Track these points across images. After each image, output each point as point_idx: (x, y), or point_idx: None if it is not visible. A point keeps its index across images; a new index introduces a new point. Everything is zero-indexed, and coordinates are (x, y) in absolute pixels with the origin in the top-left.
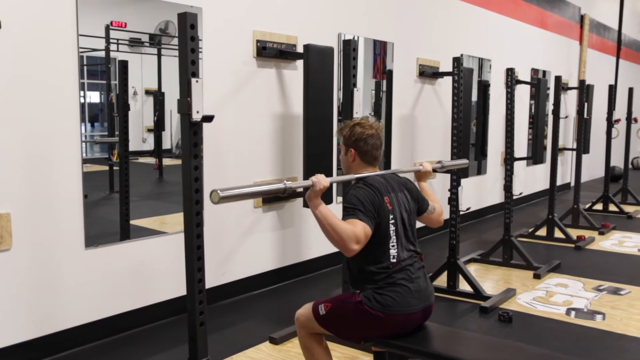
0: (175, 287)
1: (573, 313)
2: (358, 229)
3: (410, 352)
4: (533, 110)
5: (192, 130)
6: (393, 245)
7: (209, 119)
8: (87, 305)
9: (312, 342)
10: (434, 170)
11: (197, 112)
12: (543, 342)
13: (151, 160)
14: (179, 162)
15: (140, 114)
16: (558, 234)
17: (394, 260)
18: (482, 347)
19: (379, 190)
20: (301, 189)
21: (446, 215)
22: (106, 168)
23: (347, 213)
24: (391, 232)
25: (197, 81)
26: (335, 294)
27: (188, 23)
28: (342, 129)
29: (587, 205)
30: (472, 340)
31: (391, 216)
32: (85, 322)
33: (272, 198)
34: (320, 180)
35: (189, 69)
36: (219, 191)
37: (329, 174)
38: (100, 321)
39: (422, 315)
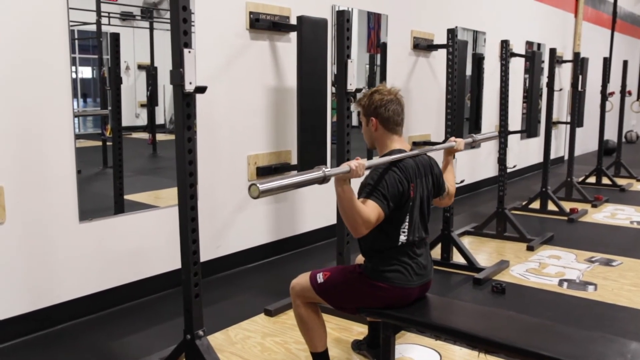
0: (170, 260)
1: (565, 284)
2: (373, 215)
3: (404, 322)
4: (527, 84)
5: (185, 102)
6: (404, 231)
7: (201, 90)
8: (82, 279)
9: (308, 311)
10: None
11: (190, 83)
12: (535, 312)
13: (144, 135)
14: (172, 137)
15: (133, 89)
16: (551, 206)
17: (402, 243)
18: (476, 317)
19: (409, 175)
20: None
21: None
22: (99, 143)
23: (368, 191)
24: (406, 218)
25: (189, 52)
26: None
27: None
28: (360, 100)
29: (581, 179)
30: (465, 310)
31: (410, 203)
32: (80, 296)
33: (266, 171)
34: (359, 170)
35: (181, 39)
36: (258, 184)
37: (323, 146)
38: (95, 294)
39: (420, 290)
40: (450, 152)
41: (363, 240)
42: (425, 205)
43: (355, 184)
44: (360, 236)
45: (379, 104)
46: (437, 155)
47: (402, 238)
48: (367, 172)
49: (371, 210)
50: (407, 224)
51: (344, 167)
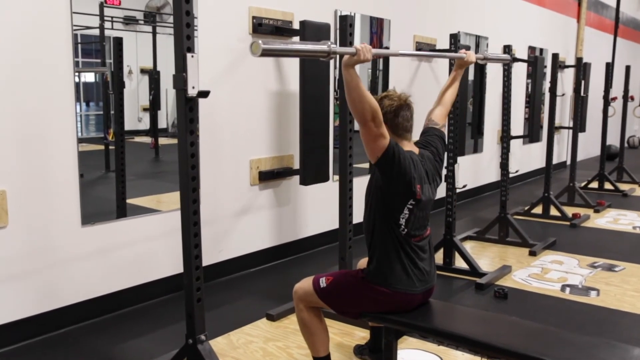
0: (172, 264)
1: (568, 289)
2: (380, 114)
3: (406, 327)
4: (530, 89)
5: (188, 106)
6: (403, 218)
7: (204, 94)
8: (84, 283)
9: (310, 316)
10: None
11: (193, 87)
12: (538, 318)
13: (147, 139)
14: (175, 141)
15: (135, 93)
16: (554, 211)
17: (403, 232)
18: (478, 322)
19: (419, 176)
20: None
21: (442, 193)
22: (102, 147)
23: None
24: (405, 210)
25: (192, 56)
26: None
27: None
28: None
29: (583, 184)
30: (467, 315)
31: (412, 201)
32: (83, 300)
33: (269, 176)
34: (365, 51)
35: (184, 43)
36: (260, 42)
37: (325, 151)
38: (98, 298)
39: (423, 296)
40: (460, 65)
41: (372, 220)
42: (427, 207)
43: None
44: (365, 125)
45: (389, 110)
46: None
47: (402, 226)
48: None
49: (381, 114)
50: (405, 215)
51: (351, 48)
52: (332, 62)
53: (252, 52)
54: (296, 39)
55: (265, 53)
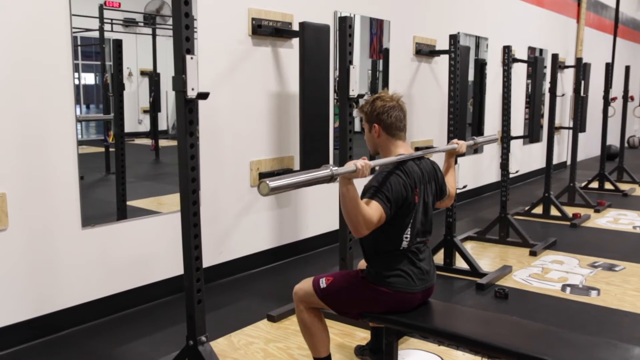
0: (172, 266)
1: (568, 289)
2: (375, 216)
3: (407, 328)
4: (530, 89)
5: (188, 108)
6: (406, 237)
7: (204, 96)
8: (85, 285)
9: (311, 317)
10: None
11: (192, 89)
12: (538, 317)
13: (147, 141)
14: (175, 143)
15: (135, 95)
16: (554, 211)
17: (404, 248)
18: (478, 322)
19: (414, 181)
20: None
21: None
22: (102, 150)
23: (372, 193)
24: (409, 223)
25: (191, 58)
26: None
27: None
28: (363, 107)
29: (583, 184)
30: (468, 315)
31: (415, 210)
32: (83, 302)
33: (269, 177)
34: (364, 170)
35: (183, 45)
36: (267, 181)
37: (325, 152)
38: (98, 300)
39: (423, 296)
40: (452, 154)
41: (366, 243)
42: (428, 211)
43: (359, 184)
44: (361, 236)
45: (381, 111)
46: (439, 159)
47: (404, 243)
48: (371, 177)
49: (374, 211)
50: (409, 229)
51: (350, 166)
52: (331, 63)
53: (260, 192)
54: (296, 40)
55: (274, 191)
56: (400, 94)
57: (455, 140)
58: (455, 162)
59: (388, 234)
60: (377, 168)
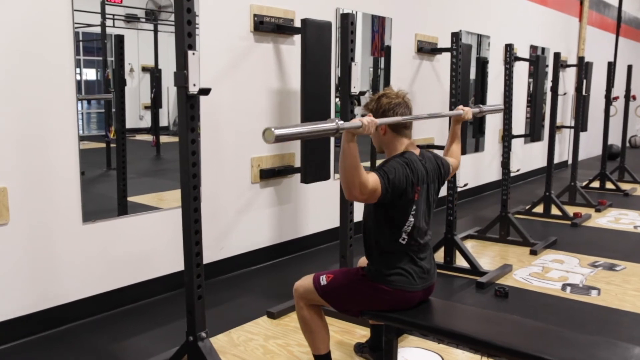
0: (173, 262)
1: (568, 288)
2: (370, 183)
3: (407, 326)
4: (531, 88)
5: (189, 104)
6: (406, 231)
7: (205, 92)
8: (85, 280)
9: (311, 314)
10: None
11: (194, 85)
12: (539, 316)
13: (148, 137)
14: (176, 139)
15: (137, 91)
16: (555, 211)
17: (404, 243)
18: (478, 320)
19: (417, 179)
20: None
21: (444, 192)
22: (103, 145)
23: (375, 170)
24: (409, 218)
25: (193, 53)
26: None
27: None
28: (368, 104)
29: (584, 183)
30: (468, 314)
31: (414, 207)
32: (83, 297)
33: (270, 174)
34: (370, 126)
35: (185, 41)
36: (273, 129)
37: (326, 149)
38: (99, 296)
39: (423, 294)
40: (457, 121)
41: (367, 237)
42: (430, 210)
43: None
44: (352, 199)
45: (387, 108)
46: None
47: (404, 237)
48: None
49: (371, 179)
50: (408, 226)
51: (356, 122)
52: (333, 60)
53: (265, 139)
54: (297, 37)
55: (279, 139)
56: (406, 91)
57: (460, 107)
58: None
59: (388, 230)
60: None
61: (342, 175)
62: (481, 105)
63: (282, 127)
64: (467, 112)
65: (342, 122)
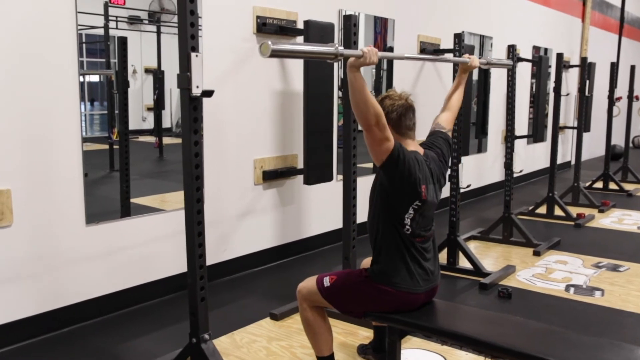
0: (176, 264)
1: (572, 289)
2: (383, 117)
3: (410, 327)
4: (534, 89)
5: (192, 105)
6: (409, 216)
7: (208, 93)
8: (88, 282)
9: (314, 315)
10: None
11: (197, 86)
12: (542, 318)
13: (151, 139)
14: (179, 140)
15: (140, 92)
16: (558, 211)
17: (408, 232)
18: (482, 322)
19: (424, 176)
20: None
21: (446, 193)
22: (106, 147)
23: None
24: (409, 209)
25: (196, 55)
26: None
27: None
28: None
29: (588, 184)
30: (471, 315)
31: (417, 202)
32: (87, 299)
33: (273, 175)
34: (371, 54)
35: (188, 43)
36: (269, 42)
37: (329, 150)
38: (102, 297)
39: (426, 296)
40: (464, 70)
41: (376, 222)
42: (432, 208)
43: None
44: (369, 129)
45: (391, 109)
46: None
47: (407, 227)
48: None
49: (384, 117)
50: (410, 215)
51: (357, 50)
52: (336, 63)
53: (261, 52)
54: (300, 38)
55: (275, 54)
56: (409, 92)
57: (467, 55)
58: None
59: (394, 210)
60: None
61: (355, 110)
62: (489, 57)
63: (280, 43)
64: (473, 59)
65: (342, 47)
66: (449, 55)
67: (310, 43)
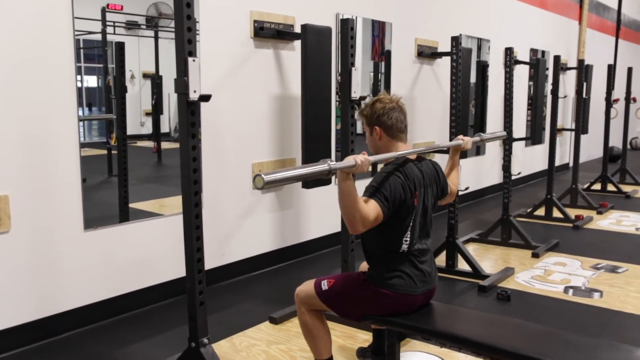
0: (174, 268)
1: (571, 291)
2: (372, 214)
3: (409, 330)
4: (532, 91)
5: (190, 110)
6: (406, 240)
7: (206, 98)
8: (87, 287)
9: (312, 319)
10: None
11: (194, 91)
12: (541, 319)
13: (149, 144)
14: (177, 145)
15: (138, 97)
16: (556, 213)
17: (404, 250)
18: (481, 324)
19: (414, 183)
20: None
21: None
22: (104, 152)
23: (370, 192)
24: (409, 226)
25: (193, 60)
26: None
27: (184, 1)
28: (363, 110)
29: (586, 185)
30: (470, 317)
31: (414, 212)
32: (85, 304)
33: None
34: (364, 165)
35: (185, 47)
36: (263, 175)
37: (327, 154)
38: (100, 302)
39: (424, 297)
40: (457, 151)
41: (367, 245)
42: (428, 213)
43: (360, 186)
44: (356, 233)
45: (382, 113)
46: (443, 161)
47: (404, 246)
48: (371, 178)
49: (371, 209)
50: (409, 232)
51: (350, 160)
52: (333, 65)
53: (255, 185)
54: (297, 42)
55: (269, 185)
56: (400, 96)
57: (460, 137)
58: (461, 157)
59: (388, 237)
60: (378, 166)
61: (343, 213)
62: (481, 134)
63: (272, 173)
64: (466, 141)
65: (334, 163)
66: (443, 142)
67: (303, 165)
